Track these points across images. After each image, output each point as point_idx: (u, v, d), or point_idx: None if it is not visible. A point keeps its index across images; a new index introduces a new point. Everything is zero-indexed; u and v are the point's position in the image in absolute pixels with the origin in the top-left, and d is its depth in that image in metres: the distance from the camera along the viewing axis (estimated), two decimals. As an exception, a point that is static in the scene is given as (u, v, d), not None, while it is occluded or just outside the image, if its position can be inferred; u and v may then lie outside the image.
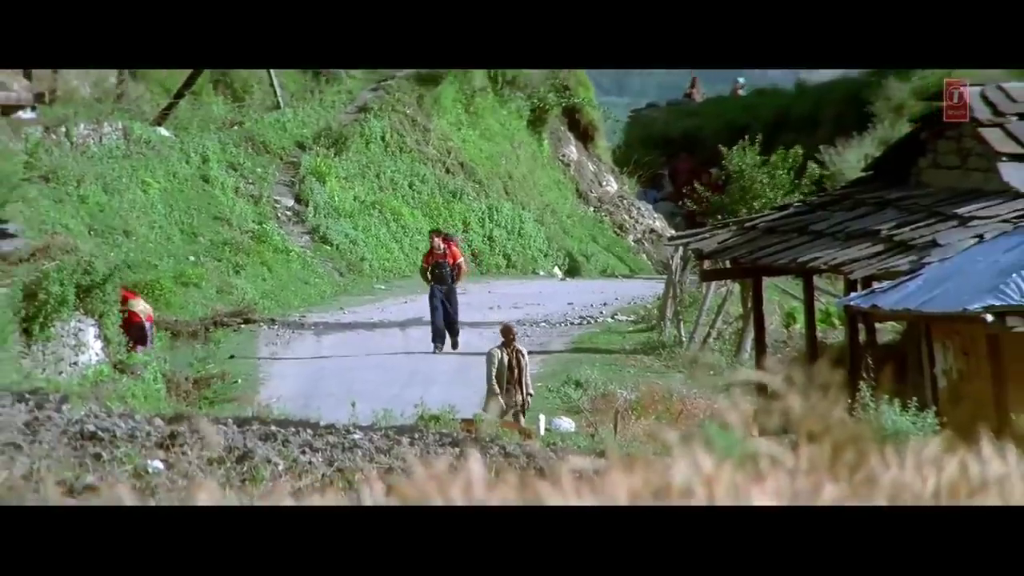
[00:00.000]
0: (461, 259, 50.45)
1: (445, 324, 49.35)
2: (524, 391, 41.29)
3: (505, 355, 42.26)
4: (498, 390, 41.15)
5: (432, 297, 49.20)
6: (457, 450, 29.05)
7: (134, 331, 43.84)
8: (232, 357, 46.38)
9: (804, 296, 43.44)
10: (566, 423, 41.97)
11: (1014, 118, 38.48)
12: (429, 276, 50.05)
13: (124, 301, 43.95)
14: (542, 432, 39.63)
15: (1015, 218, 35.06)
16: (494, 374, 42.00)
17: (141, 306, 44.53)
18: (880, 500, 13.53)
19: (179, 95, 55.82)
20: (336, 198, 55.07)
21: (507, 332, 43.96)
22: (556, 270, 56.54)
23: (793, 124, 64.34)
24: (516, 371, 41.76)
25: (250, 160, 54.29)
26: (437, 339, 48.92)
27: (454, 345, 50.18)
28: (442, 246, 50.27)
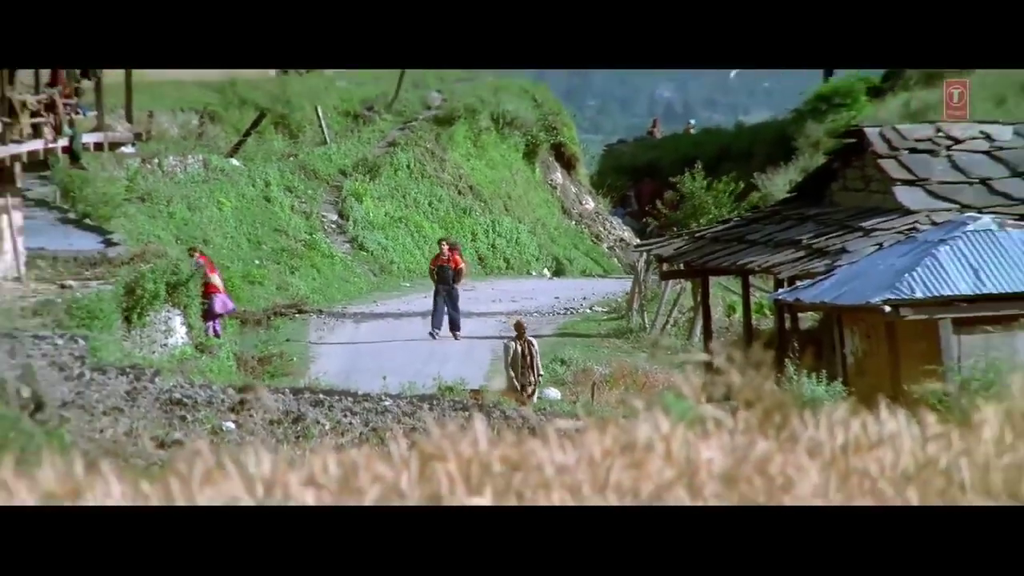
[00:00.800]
0: (463, 264, 50.44)
1: (448, 317, 49.59)
2: (535, 374, 41.22)
3: (518, 346, 42.11)
4: (513, 374, 41.00)
5: (436, 295, 49.53)
6: (466, 413, 29.22)
7: (208, 299, 44.93)
8: (288, 340, 46.70)
9: (742, 292, 43.72)
10: (553, 392, 42.03)
11: (906, 152, 38.82)
12: (434, 276, 50.15)
13: (210, 288, 45.35)
14: (535, 400, 40.06)
15: (907, 230, 35.37)
16: (509, 361, 41.87)
17: (216, 280, 45.66)
18: (800, 453, 13.69)
19: (247, 134, 55.89)
20: (371, 214, 55.42)
21: (519, 327, 43.77)
22: (545, 271, 56.78)
23: (733, 156, 64.60)
24: (528, 358, 41.63)
25: (303, 184, 54.70)
26: (435, 327, 49.15)
27: (454, 335, 50.16)
28: (447, 252, 50.59)
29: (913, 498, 11.80)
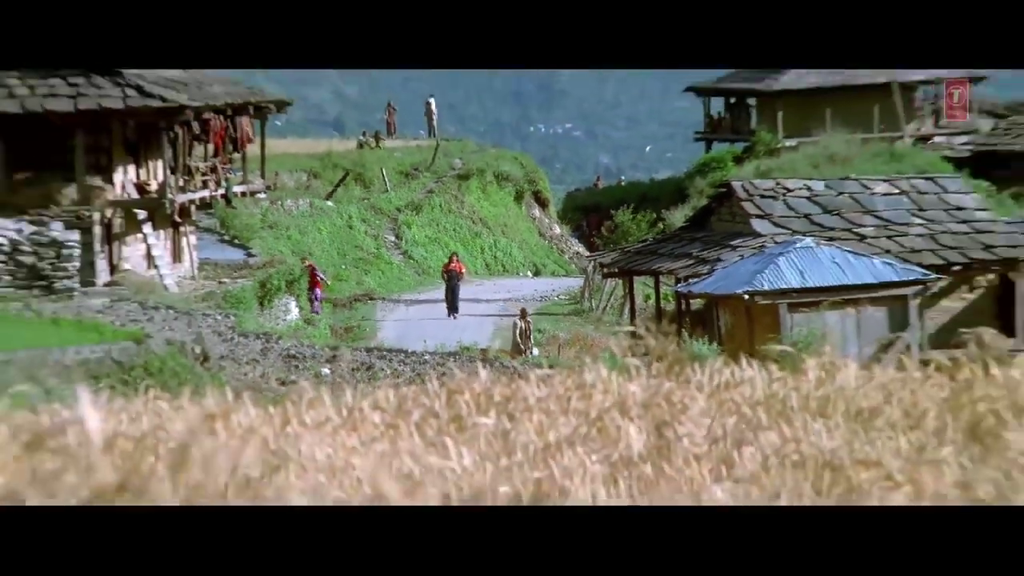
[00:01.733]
0: (463, 269, 49.95)
1: (452, 304, 48.96)
2: (531, 341, 41.27)
3: (522, 323, 41.81)
4: (519, 340, 40.83)
5: (447, 290, 48.93)
6: (476, 364, 29.47)
7: (316, 285, 45.19)
8: (363, 318, 46.71)
9: (655, 286, 43.85)
10: (535, 351, 42.08)
11: (757, 197, 38.89)
12: (444, 277, 49.56)
13: (313, 275, 45.43)
14: (532, 355, 40.46)
15: (759, 247, 35.57)
16: (517, 333, 41.57)
17: (323, 276, 45.94)
18: (692, 389, 13.46)
19: (336, 186, 56.07)
20: (416, 236, 55.96)
21: (523, 312, 43.40)
22: (528, 273, 56.99)
23: (649, 200, 64.72)
24: (528, 331, 41.52)
25: (372, 217, 55.25)
26: (450, 311, 48.43)
27: (454, 316, 49.09)
28: (454, 261, 49.92)
29: (763, 417, 11.75)
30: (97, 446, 5.54)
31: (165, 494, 5.41)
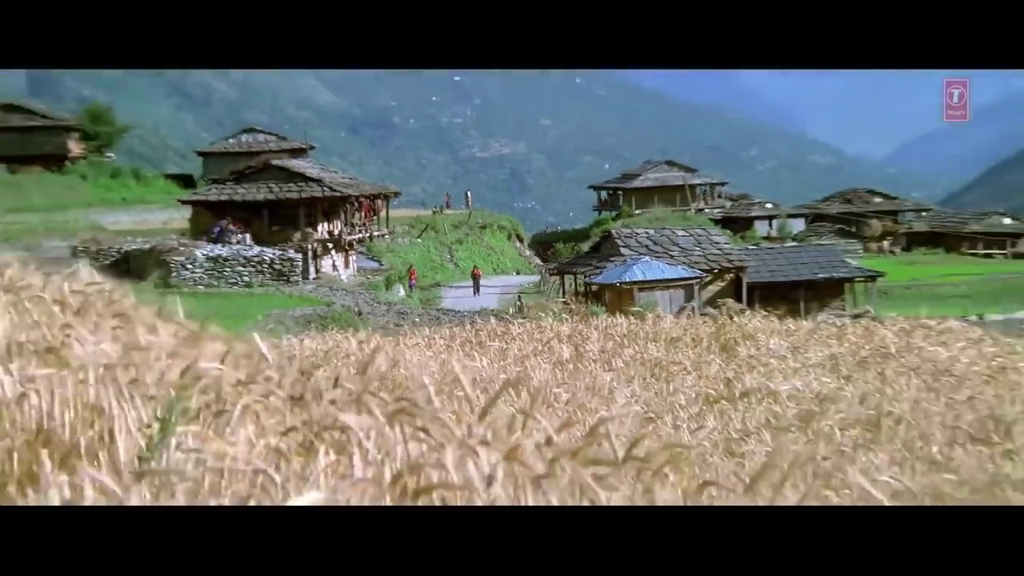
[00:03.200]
0: (480, 272, 46.03)
1: (475, 289, 44.02)
2: (524, 308, 39.26)
3: (520, 301, 37.93)
4: (520, 304, 36.66)
5: (473, 282, 44.14)
6: (489, 318, 29.10)
7: (412, 278, 42.36)
8: (436, 296, 42.93)
9: (574, 280, 43.02)
10: (520, 317, 41.56)
11: (623, 237, 38.87)
12: (472, 276, 44.91)
13: (412, 274, 42.82)
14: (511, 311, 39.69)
15: (623, 261, 35.29)
16: (518, 305, 36.17)
17: (416, 274, 43.08)
18: (591, 329, 13.66)
19: (422, 232, 51.82)
20: (459, 256, 52.40)
21: (520, 298, 38.90)
22: (514, 273, 55.41)
23: (571, 238, 63.86)
24: (521, 303, 39.29)
25: (438, 246, 51.88)
26: (475, 292, 42.96)
27: (477, 294, 43.35)
28: (476, 269, 46.17)
29: (625, 341, 11.93)
30: (304, 353, 5.56)
31: (344, 371, 4.53)
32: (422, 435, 2.27)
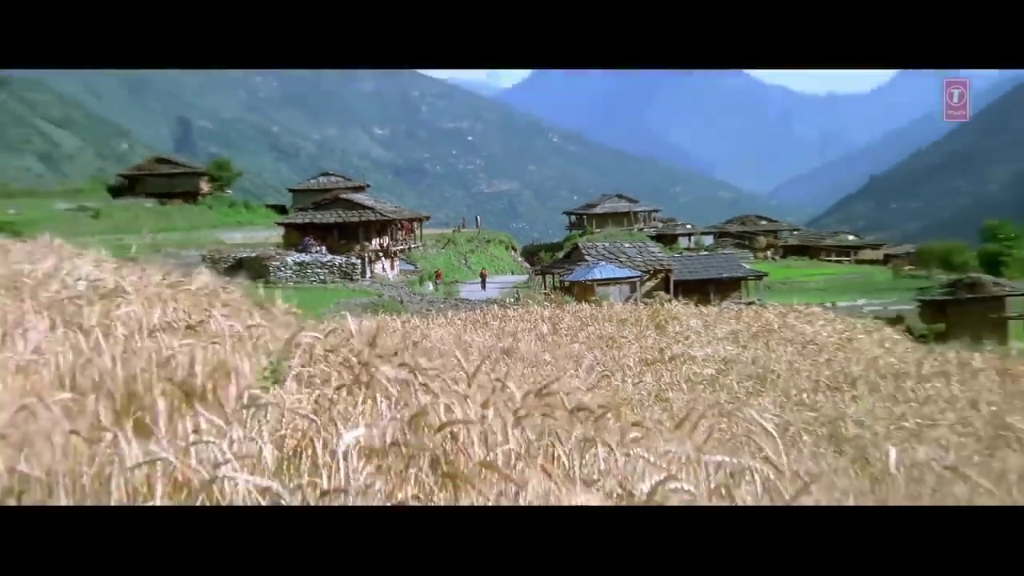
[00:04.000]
0: (487, 273, 41.82)
1: (481, 285, 39.52)
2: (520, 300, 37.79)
3: (518, 293, 35.64)
4: (518, 296, 34.16)
5: (481, 280, 39.78)
6: (493, 306, 28.57)
7: (439, 278, 38.79)
8: (455, 290, 38.24)
9: (552, 278, 42.11)
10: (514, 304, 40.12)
11: (588, 248, 38.50)
12: (480, 277, 40.76)
13: (438, 275, 39.22)
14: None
15: (587, 265, 34.93)
16: (519, 295, 34.58)
17: (441, 274, 39.11)
18: (565, 313, 13.38)
19: (445, 245, 48.37)
20: (471, 261, 48.33)
21: (518, 292, 33.92)
22: (510, 273, 53.48)
23: (549, 249, 62.18)
24: (519, 295, 35.72)
25: (456, 255, 48.13)
26: (483, 288, 37.59)
27: (484, 289, 38.92)
28: (484, 271, 41.84)
29: (589, 322, 11.76)
30: (361, 330, 5.41)
31: (388, 342, 3.77)
32: (435, 386, 2.21)
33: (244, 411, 1.99)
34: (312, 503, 1.52)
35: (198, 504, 1.59)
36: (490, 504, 1.52)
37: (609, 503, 1.60)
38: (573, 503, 1.46)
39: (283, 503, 1.51)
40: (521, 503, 1.53)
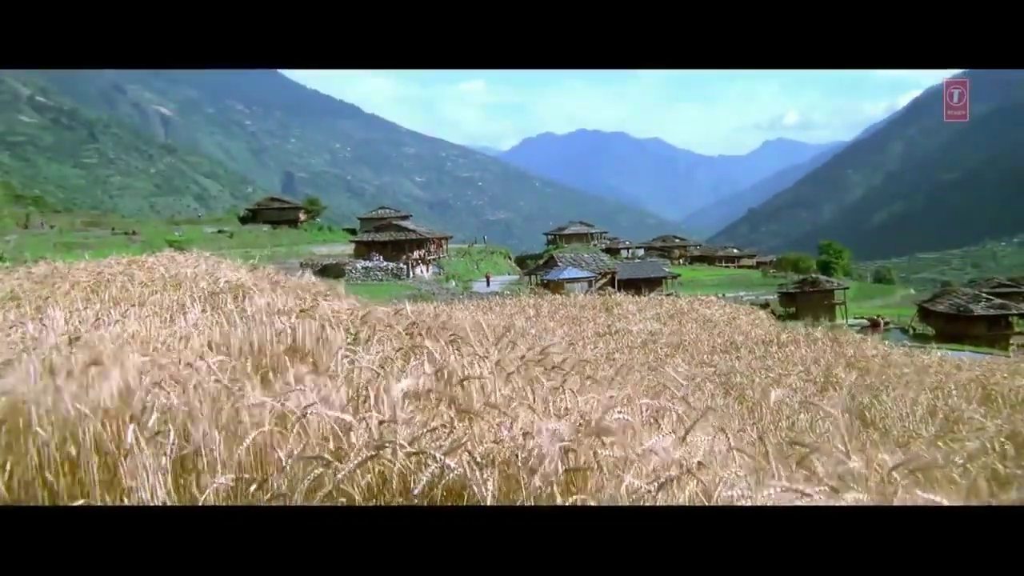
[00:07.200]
0: (491, 275, 38.09)
1: (488, 282, 36.97)
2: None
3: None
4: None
5: (487, 279, 37.02)
6: (497, 296, 25.79)
7: (488, 279, 33.92)
8: (470, 286, 36.09)
9: (539, 278, 37.87)
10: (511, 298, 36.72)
11: (562, 257, 37.36)
12: (485, 276, 37.60)
13: (488, 277, 35.11)
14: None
15: (560, 268, 33.92)
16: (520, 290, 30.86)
17: (490, 276, 34.76)
18: (544, 304, 12.27)
19: (463, 254, 43.69)
20: (480, 266, 44.77)
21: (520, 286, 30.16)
22: (507, 274, 47.18)
23: (533, 257, 59.29)
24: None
25: (469, 261, 44.28)
26: (488, 285, 35.44)
27: (488, 286, 36.59)
28: (490, 273, 38.64)
29: (561, 312, 11.30)
30: (407, 314, 5.22)
31: (428, 322, 3.11)
32: (465, 350, 2.15)
33: (335, 366, 1.95)
34: (320, 495, 1.09)
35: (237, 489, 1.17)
36: (489, 504, 1.08)
37: (578, 432, 1.18)
38: (550, 428, 1.13)
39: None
40: (521, 503, 1.10)
